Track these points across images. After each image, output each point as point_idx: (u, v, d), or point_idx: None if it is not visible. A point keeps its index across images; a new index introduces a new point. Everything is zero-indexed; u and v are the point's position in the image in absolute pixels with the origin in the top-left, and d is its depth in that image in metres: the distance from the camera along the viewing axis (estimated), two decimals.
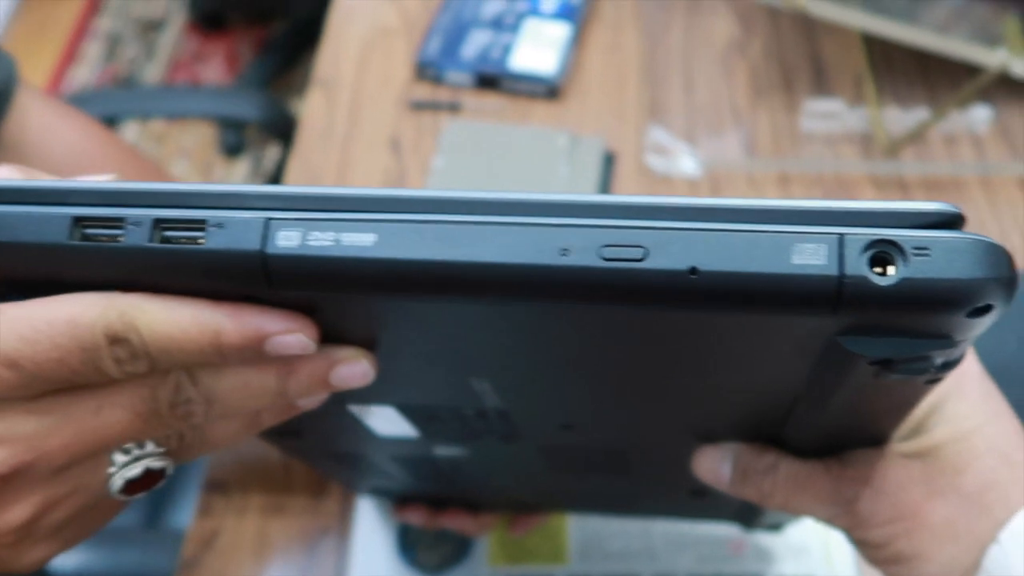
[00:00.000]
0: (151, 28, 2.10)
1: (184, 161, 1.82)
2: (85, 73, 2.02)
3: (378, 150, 0.77)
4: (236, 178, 1.79)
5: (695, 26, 0.85)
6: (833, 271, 0.20)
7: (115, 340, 0.23)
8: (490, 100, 0.80)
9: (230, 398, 0.25)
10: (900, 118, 0.76)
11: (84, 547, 0.73)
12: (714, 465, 0.34)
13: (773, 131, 0.78)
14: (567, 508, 0.56)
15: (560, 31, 0.82)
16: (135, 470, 0.25)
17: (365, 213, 0.22)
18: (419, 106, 0.79)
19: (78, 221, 0.22)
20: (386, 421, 0.35)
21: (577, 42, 0.83)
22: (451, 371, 0.29)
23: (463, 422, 0.34)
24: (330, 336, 0.25)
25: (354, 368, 0.26)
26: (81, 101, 1.02)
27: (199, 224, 0.22)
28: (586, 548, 0.57)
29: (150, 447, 0.25)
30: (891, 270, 0.20)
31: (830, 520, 0.33)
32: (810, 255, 0.20)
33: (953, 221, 0.21)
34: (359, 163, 0.76)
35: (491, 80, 0.79)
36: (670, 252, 0.20)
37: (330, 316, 0.24)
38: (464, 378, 0.29)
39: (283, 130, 0.96)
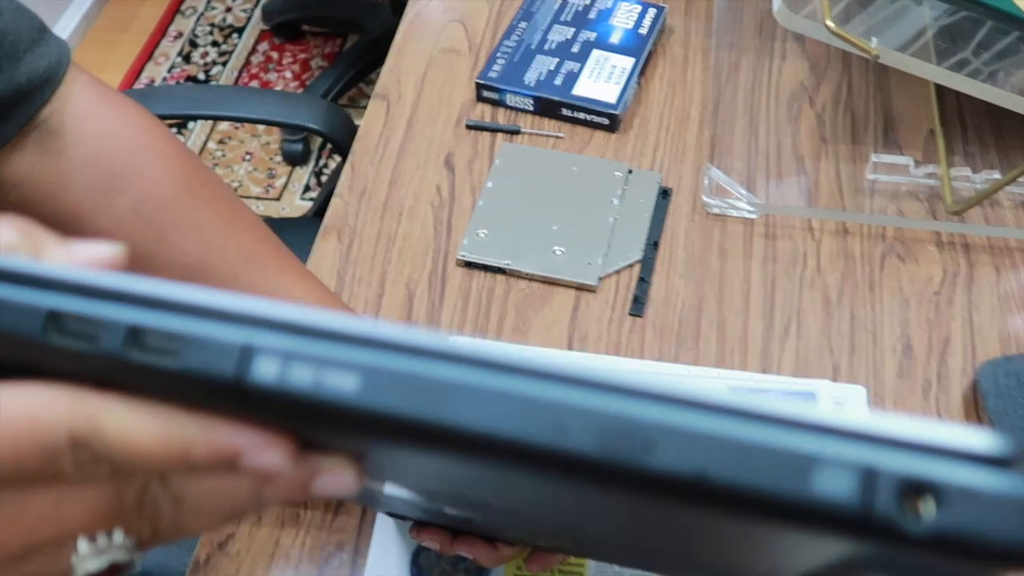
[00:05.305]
0: (228, 33, 2.14)
1: (246, 165, 1.85)
2: (161, 72, 2.06)
3: (431, 167, 0.76)
4: (294, 186, 1.81)
5: (764, 68, 0.84)
6: (856, 504, 0.18)
7: (78, 444, 0.21)
8: (549, 126, 0.79)
9: (202, 501, 0.24)
10: (969, 178, 0.73)
11: None
12: None
13: (836, 181, 0.76)
14: (588, 556, 0.54)
15: (626, 63, 0.81)
16: (98, 563, 0.24)
17: (353, 349, 0.20)
18: (476, 127, 0.78)
19: (52, 316, 0.21)
20: (388, 488, 0.34)
21: (642, 76, 0.82)
22: (445, 485, 0.28)
23: (468, 504, 0.33)
24: (315, 442, 0.24)
25: (338, 479, 0.24)
26: (144, 95, 1.04)
27: (176, 338, 0.21)
28: None
29: (118, 537, 0.24)
30: (925, 511, 0.18)
31: None
32: (833, 482, 0.18)
33: (1006, 460, 0.18)
34: (411, 179, 0.76)
35: (552, 106, 0.79)
36: (678, 451, 0.19)
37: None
38: (459, 490, 0.28)
39: (346, 141, 0.95)
